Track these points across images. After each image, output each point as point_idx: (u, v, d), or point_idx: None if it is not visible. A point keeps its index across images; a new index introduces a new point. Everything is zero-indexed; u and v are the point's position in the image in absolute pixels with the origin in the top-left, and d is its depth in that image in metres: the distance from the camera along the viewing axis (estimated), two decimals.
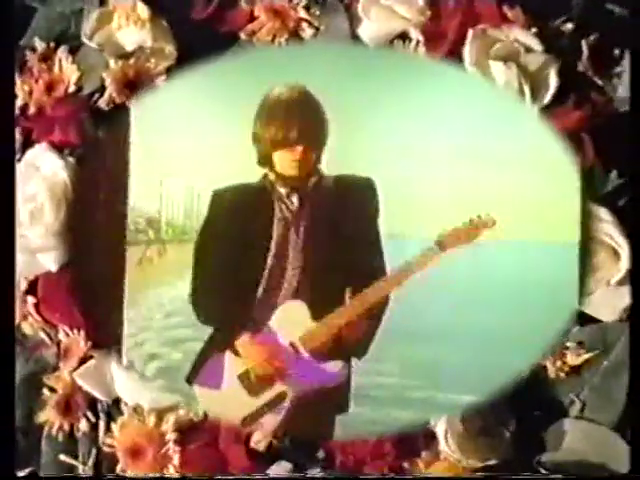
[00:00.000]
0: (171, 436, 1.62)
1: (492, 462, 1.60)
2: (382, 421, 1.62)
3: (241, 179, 1.64)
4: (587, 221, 1.63)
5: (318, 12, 1.70)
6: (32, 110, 1.69)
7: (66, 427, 1.66)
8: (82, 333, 1.66)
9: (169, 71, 1.68)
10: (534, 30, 1.67)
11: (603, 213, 1.64)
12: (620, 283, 1.64)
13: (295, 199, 1.63)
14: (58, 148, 1.68)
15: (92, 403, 1.67)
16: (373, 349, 1.60)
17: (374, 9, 1.69)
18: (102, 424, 1.66)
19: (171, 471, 1.62)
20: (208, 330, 1.63)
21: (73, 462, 1.66)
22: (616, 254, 1.64)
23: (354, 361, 1.61)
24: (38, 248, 1.66)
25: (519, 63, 1.66)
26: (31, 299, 1.67)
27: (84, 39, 1.69)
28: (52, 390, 1.67)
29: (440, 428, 1.61)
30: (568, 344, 1.64)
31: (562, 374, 1.63)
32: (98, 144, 1.68)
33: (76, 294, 1.66)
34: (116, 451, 1.64)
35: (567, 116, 1.65)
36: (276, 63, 1.68)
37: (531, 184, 1.63)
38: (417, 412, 1.62)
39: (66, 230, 1.67)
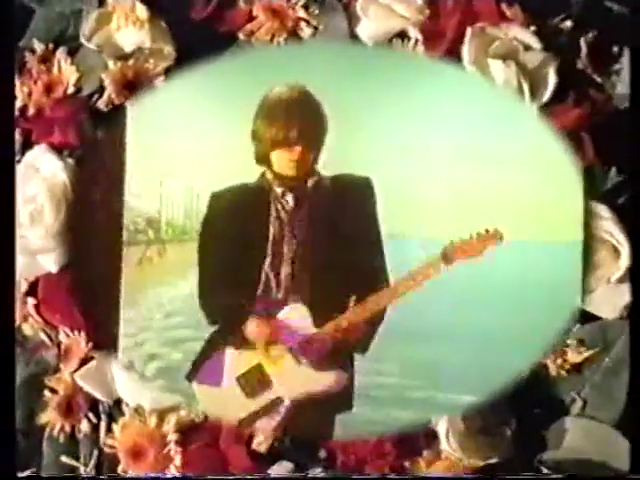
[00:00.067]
0: (172, 437, 1.62)
1: (493, 461, 1.60)
2: (382, 421, 1.62)
3: (240, 179, 1.64)
4: (587, 219, 1.63)
5: (317, 11, 1.70)
6: (31, 111, 1.69)
7: (67, 428, 1.66)
8: (83, 334, 1.66)
9: (168, 71, 1.68)
10: (533, 28, 1.67)
11: (603, 211, 1.64)
12: (620, 281, 1.64)
13: (290, 199, 1.63)
14: (57, 149, 1.68)
15: (93, 404, 1.67)
16: (373, 349, 1.61)
17: (373, 8, 1.69)
18: (103, 425, 1.66)
19: (172, 471, 1.62)
20: (208, 330, 1.63)
21: (74, 463, 1.66)
22: (616, 252, 1.64)
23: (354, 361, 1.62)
24: (38, 249, 1.66)
25: (518, 61, 1.66)
26: (31, 300, 1.67)
27: (83, 40, 1.69)
28: (53, 391, 1.67)
29: (441, 427, 1.61)
30: (569, 342, 1.64)
31: (563, 372, 1.63)
32: (97, 145, 1.68)
33: (76, 295, 1.66)
34: (117, 452, 1.64)
35: (566, 114, 1.65)
36: (275, 63, 1.68)
37: (530, 183, 1.63)
38: (417, 412, 1.62)
39: (66, 231, 1.67)
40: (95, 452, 1.66)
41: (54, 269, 1.67)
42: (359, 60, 1.67)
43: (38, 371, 1.68)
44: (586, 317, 1.65)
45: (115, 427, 1.65)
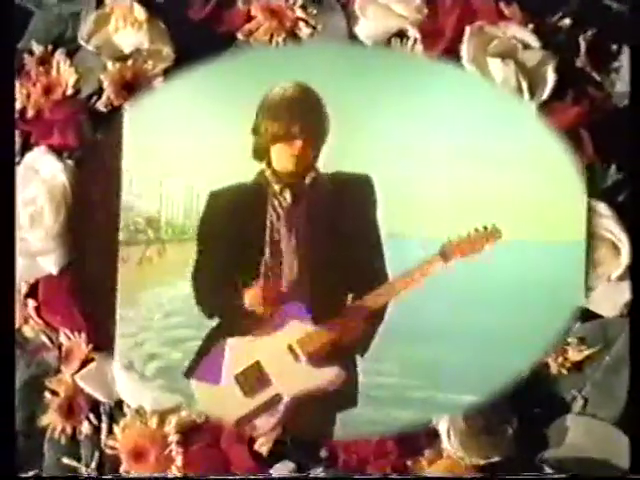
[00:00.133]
0: (173, 437, 1.63)
1: (495, 459, 1.60)
2: (382, 421, 1.62)
3: (240, 179, 1.64)
4: (587, 217, 1.63)
5: (315, 11, 1.70)
6: (30, 113, 1.69)
7: (68, 430, 1.66)
8: (83, 336, 1.66)
9: (167, 72, 1.68)
10: (531, 26, 1.67)
11: (603, 208, 1.64)
12: (620, 278, 1.64)
13: (288, 195, 1.63)
14: (57, 151, 1.68)
15: (94, 405, 1.67)
16: (373, 349, 1.61)
17: (371, 7, 1.69)
18: (104, 426, 1.66)
19: (174, 472, 1.62)
20: (208, 329, 1.63)
21: (76, 464, 1.67)
22: (616, 249, 1.64)
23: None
24: (38, 251, 1.66)
25: (517, 60, 1.66)
26: (32, 302, 1.67)
27: (81, 42, 1.69)
28: (54, 393, 1.67)
29: (443, 426, 1.61)
30: (569, 340, 1.64)
31: (564, 370, 1.64)
32: (97, 146, 1.68)
33: (76, 297, 1.66)
34: (119, 453, 1.64)
35: (565, 112, 1.65)
36: (274, 63, 1.68)
37: (530, 182, 1.63)
38: (417, 412, 1.62)
39: (66, 233, 1.67)
40: (96, 453, 1.66)
41: (54, 271, 1.67)
42: (358, 60, 1.67)
43: (39, 373, 1.68)
44: (586, 315, 1.65)
45: (116, 428, 1.65)
